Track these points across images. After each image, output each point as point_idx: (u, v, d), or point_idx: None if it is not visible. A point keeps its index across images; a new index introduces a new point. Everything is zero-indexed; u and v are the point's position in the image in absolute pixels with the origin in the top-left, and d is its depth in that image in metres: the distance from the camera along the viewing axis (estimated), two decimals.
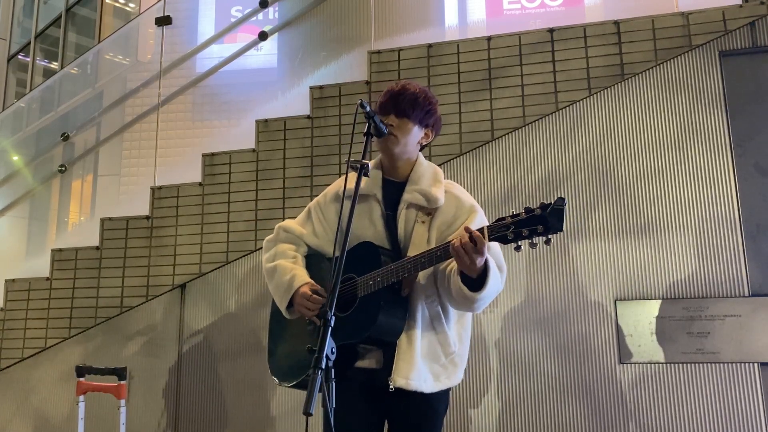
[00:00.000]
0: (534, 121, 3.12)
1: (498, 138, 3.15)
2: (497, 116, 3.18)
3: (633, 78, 3.04)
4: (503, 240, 1.58)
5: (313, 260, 1.99)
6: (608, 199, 2.96)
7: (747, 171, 2.86)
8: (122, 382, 2.93)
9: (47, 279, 3.78)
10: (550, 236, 1.53)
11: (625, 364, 2.82)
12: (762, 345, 2.68)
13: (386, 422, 1.92)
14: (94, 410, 3.38)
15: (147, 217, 3.67)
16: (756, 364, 2.69)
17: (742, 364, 2.70)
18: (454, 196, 1.87)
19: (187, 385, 3.39)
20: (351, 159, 1.69)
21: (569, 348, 2.89)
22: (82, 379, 3.01)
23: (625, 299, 2.86)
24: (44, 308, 3.73)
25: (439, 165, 3.16)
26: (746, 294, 2.74)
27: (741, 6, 2.97)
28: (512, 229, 1.56)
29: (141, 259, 3.61)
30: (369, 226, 1.88)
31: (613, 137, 3.01)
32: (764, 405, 2.66)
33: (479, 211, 1.87)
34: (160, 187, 3.68)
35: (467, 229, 1.60)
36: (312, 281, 1.88)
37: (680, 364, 2.76)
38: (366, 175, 1.71)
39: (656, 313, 2.82)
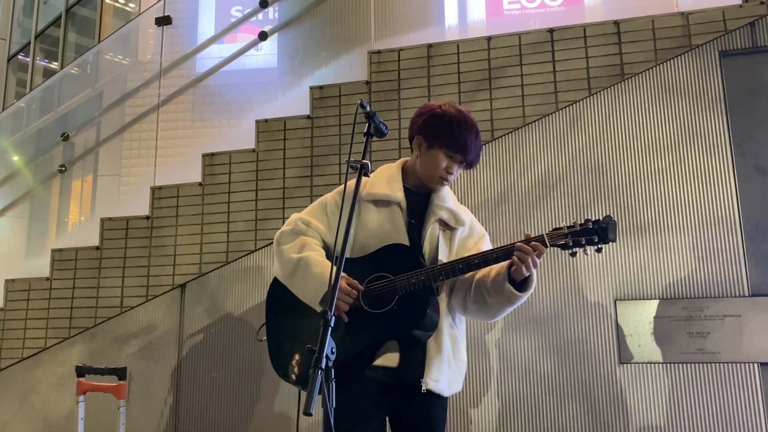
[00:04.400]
0: (534, 121, 3.12)
1: (498, 138, 3.15)
2: (497, 116, 3.18)
3: (633, 78, 3.04)
4: (563, 246, 1.77)
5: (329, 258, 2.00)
6: (608, 198, 2.96)
7: (747, 171, 2.86)
8: (122, 382, 2.93)
9: (47, 279, 3.78)
10: (601, 246, 1.75)
11: (624, 365, 2.82)
12: (762, 345, 2.69)
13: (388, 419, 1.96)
14: (94, 410, 3.38)
15: (147, 217, 3.67)
16: (756, 364, 2.69)
17: (742, 364, 2.70)
18: (469, 219, 2.03)
19: (186, 385, 3.39)
20: (351, 159, 1.70)
21: (569, 348, 2.89)
22: (82, 379, 3.01)
23: (624, 299, 2.86)
24: (44, 308, 3.73)
25: None
26: (746, 294, 2.74)
27: (741, 6, 2.97)
28: (570, 237, 1.77)
29: (141, 259, 3.61)
30: (392, 231, 1.92)
31: (613, 137, 3.02)
32: (764, 405, 2.66)
33: (487, 235, 2.06)
34: (160, 187, 3.68)
35: (527, 237, 1.78)
36: (347, 275, 1.86)
37: (680, 365, 2.76)
38: (366, 174, 1.72)
39: (656, 313, 2.82)
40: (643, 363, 2.80)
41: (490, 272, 1.86)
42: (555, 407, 2.87)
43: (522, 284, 1.81)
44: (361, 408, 1.84)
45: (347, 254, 1.90)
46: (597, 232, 1.74)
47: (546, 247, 1.76)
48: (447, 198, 2.00)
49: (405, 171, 2.03)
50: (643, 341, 2.81)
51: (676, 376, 2.76)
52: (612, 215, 1.87)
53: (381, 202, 1.95)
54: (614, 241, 1.74)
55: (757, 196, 2.83)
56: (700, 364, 2.74)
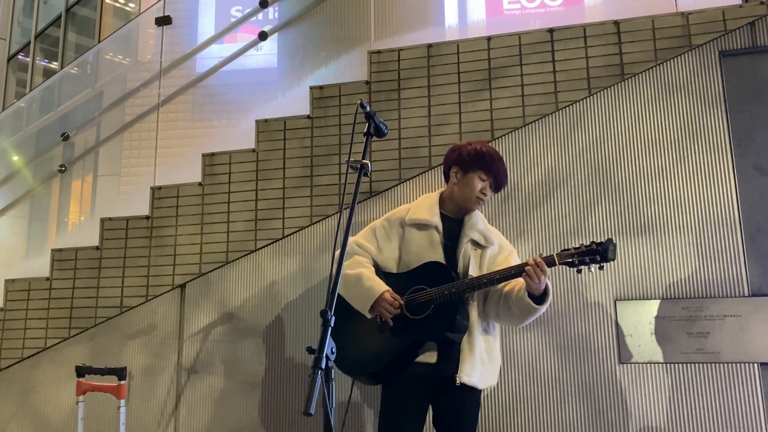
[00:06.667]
0: (534, 121, 3.12)
1: (498, 138, 3.15)
2: (497, 116, 3.18)
3: (633, 78, 3.04)
4: (570, 264, 2.11)
5: (378, 275, 2.37)
6: (608, 198, 2.96)
7: (747, 171, 2.85)
8: (122, 382, 2.93)
9: (47, 279, 3.78)
10: (603, 264, 2.07)
11: (625, 364, 2.82)
12: (762, 345, 2.68)
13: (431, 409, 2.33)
14: (94, 410, 3.38)
15: (147, 217, 3.67)
16: (756, 364, 2.69)
17: (742, 364, 2.70)
18: (499, 238, 2.41)
19: (186, 385, 3.39)
20: (351, 159, 1.71)
21: (569, 348, 2.89)
22: (82, 379, 3.01)
23: (624, 299, 2.86)
24: (44, 308, 3.73)
25: (439, 165, 3.16)
26: (746, 294, 2.74)
27: (741, 6, 2.97)
28: (576, 257, 2.10)
29: (141, 259, 3.61)
30: (430, 250, 2.30)
31: (613, 137, 3.02)
32: (764, 405, 2.66)
33: (515, 251, 2.43)
34: (160, 187, 3.68)
35: (539, 258, 2.09)
36: (390, 289, 2.26)
37: (680, 364, 2.76)
38: (366, 175, 1.73)
39: (656, 313, 2.82)
40: (643, 363, 2.80)
41: (515, 287, 2.20)
42: (556, 406, 2.87)
43: (540, 298, 2.14)
44: (404, 401, 2.23)
45: (394, 270, 2.37)
46: (599, 253, 2.07)
47: (555, 265, 2.10)
48: (478, 221, 2.36)
49: (442, 199, 2.42)
50: (642, 341, 2.81)
51: (676, 376, 2.76)
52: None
53: (421, 226, 2.34)
54: (613, 260, 2.07)
55: (757, 196, 2.83)
56: (701, 364, 2.74)
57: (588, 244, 2.10)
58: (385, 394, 2.32)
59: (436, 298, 2.19)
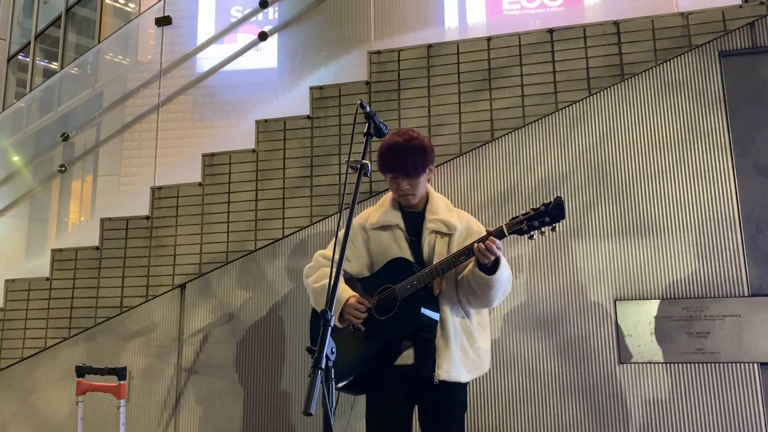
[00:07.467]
0: (534, 121, 3.12)
1: (498, 138, 3.15)
2: (497, 116, 3.18)
3: (633, 78, 3.04)
4: (520, 232, 2.03)
5: (349, 283, 2.35)
6: (608, 199, 2.96)
7: (747, 171, 2.86)
8: (122, 382, 2.93)
9: (47, 279, 3.78)
10: (554, 225, 1.99)
11: (624, 365, 2.82)
12: (762, 345, 2.69)
13: (416, 409, 2.28)
14: (94, 410, 3.38)
15: (147, 217, 3.67)
16: (756, 364, 2.69)
17: (742, 364, 2.70)
18: (465, 220, 2.32)
19: (186, 385, 3.39)
20: (351, 159, 1.72)
21: (569, 348, 2.89)
22: (82, 379, 3.01)
23: (624, 299, 2.86)
24: (44, 308, 3.73)
25: (439, 165, 3.16)
26: (746, 294, 2.74)
27: (741, 6, 2.97)
28: (525, 223, 2.02)
29: (141, 259, 3.61)
30: (396, 250, 2.27)
31: (613, 137, 3.02)
32: (764, 405, 2.66)
33: (484, 230, 2.25)
34: (160, 187, 3.68)
35: (487, 232, 2.06)
36: (357, 294, 2.25)
37: (680, 364, 2.76)
38: (366, 175, 1.74)
39: (656, 313, 2.82)
40: (643, 363, 2.80)
41: (471, 267, 2.17)
42: (556, 407, 2.87)
43: (492, 269, 2.09)
44: (388, 405, 2.20)
45: (367, 274, 2.33)
46: (548, 213, 1.99)
47: (505, 236, 2.04)
48: (439, 209, 2.31)
49: (401, 203, 2.36)
50: (642, 341, 2.81)
51: (676, 376, 2.76)
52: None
53: (384, 227, 2.31)
54: (564, 218, 1.99)
55: (757, 196, 2.83)
56: (700, 364, 2.74)
57: (536, 207, 2.03)
58: (369, 401, 2.28)
59: (400, 294, 2.15)
